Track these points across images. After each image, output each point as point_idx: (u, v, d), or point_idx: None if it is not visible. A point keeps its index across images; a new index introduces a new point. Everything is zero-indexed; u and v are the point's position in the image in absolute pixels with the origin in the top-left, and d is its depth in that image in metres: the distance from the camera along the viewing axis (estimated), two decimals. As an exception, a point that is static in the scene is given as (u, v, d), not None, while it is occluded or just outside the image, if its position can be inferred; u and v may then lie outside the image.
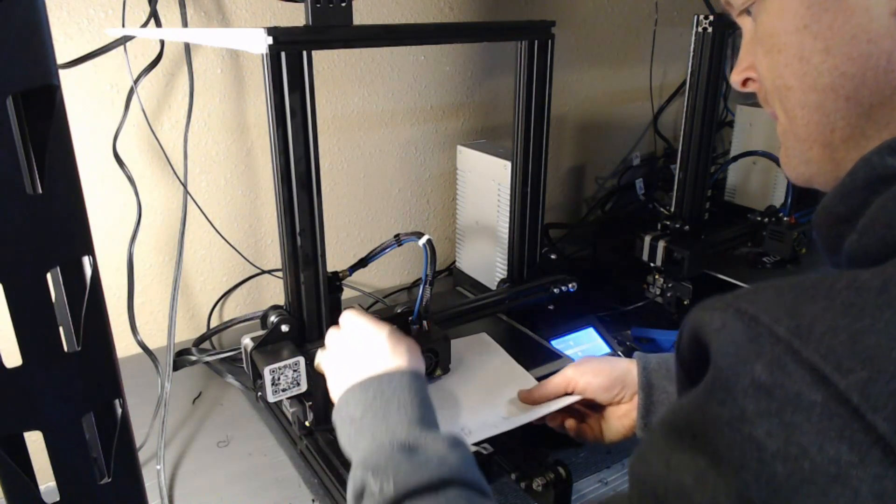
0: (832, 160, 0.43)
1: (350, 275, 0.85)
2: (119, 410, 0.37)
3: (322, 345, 0.75)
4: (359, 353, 0.66)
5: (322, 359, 0.73)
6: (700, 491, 0.31)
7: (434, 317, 0.87)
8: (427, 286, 0.80)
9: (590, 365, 0.74)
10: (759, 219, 1.25)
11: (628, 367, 0.73)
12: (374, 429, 0.57)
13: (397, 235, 0.83)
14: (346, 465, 0.77)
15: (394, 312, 0.83)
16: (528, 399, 0.77)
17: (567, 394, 0.75)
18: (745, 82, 0.47)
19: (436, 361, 0.83)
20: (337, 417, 0.63)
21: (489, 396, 0.80)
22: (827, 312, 0.29)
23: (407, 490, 0.49)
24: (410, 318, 0.82)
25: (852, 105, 0.40)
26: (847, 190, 0.39)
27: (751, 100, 1.73)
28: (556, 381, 0.75)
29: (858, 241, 0.37)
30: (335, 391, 0.66)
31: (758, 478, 0.29)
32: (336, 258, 1.24)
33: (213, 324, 1.16)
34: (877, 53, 0.38)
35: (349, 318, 0.71)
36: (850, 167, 0.40)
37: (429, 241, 0.78)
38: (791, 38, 0.41)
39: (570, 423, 0.75)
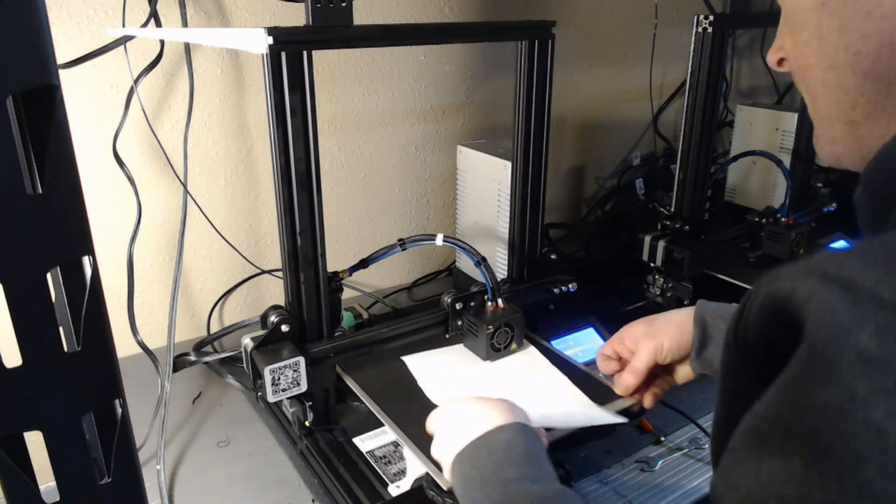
0: (855, 138, 0.42)
1: (350, 275, 0.85)
2: (119, 410, 0.37)
3: (322, 344, 0.75)
4: (463, 427, 0.61)
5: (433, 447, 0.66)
6: (806, 499, 0.26)
7: (505, 294, 0.92)
8: (483, 266, 0.87)
9: (655, 327, 0.75)
10: (756, 219, 1.25)
11: (684, 317, 0.74)
12: (490, 492, 0.55)
13: (402, 241, 0.84)
14: (347, 465, 0.77)
15: (470, 291, 0.90)
16: (627, 387, 0.77)
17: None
18: (779, 62, 0.47)
19: (511, 336, 0.88)
20: (454, 480, 0.59)
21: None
22: None
23: None
24: (487, 297, 0.88)
25: (870, 82, 0.40)
26: (886, 159, 0.38)
27: (751, 100, 1.73)
28: (644, 358, 0.75)
29: None
30: (448, 451, 0.62)
31: (883, 469, 0.24)
32: (336, 258, 1.24)
33: (213, 323, 1.16)
34: (890, 30, 0.38)
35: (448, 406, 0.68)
36: (874, 144, 0.40)
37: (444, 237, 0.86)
38: (810, 15, 0.41)
39: (648, 400, 0.77)
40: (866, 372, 0.25)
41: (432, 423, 0.66)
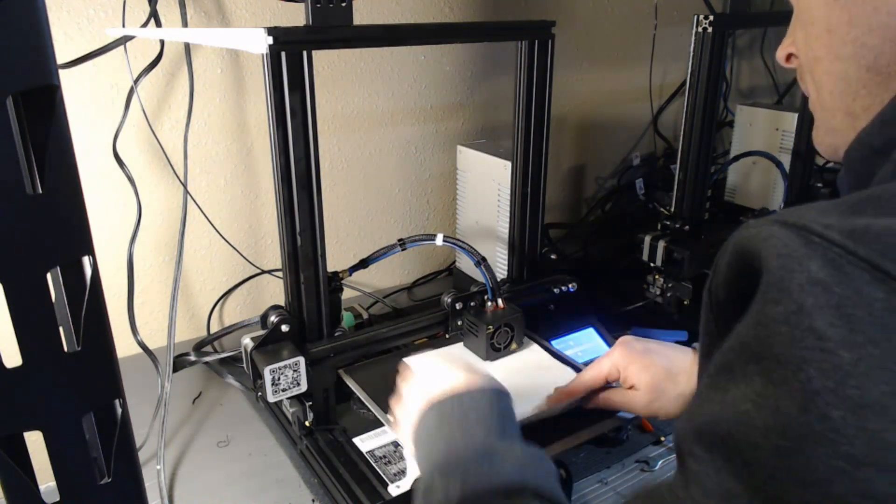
0: (853, 129, 0.45)
1: (350, 275, 0.85)
2: (119, 410, 0.37)
3: (322, 344, 0.75)
4: (434, 386, 0.58)
5: (397, 405, 0.64)
6: (762, 408, 0.29)
7: (505, 294, 0.93)
8: (483, 266, 0.87)
9: (638, 356, 0.72)
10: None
11: (681, 358, 0.71)
12: (449, 437, 0.53)
13: (402, 241, 0.84)
14: (347, 465, 0.77)
15: (470, 291, 0.90)
16: (563, 396, 0.76)
17: (608, 383, 0.74)
18: (788, 58, 0.50)
19: (511, 336, 0.89)
20: (414, 439, 0.57)
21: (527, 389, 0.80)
22: (878, 217, 0.29)
23: (475, 493, 0.46)
24: (487, 297, 0.89)
25: (872, 75, 0.42)
26: (887, 118, 0.41)
27: (751, 100, 1.73)
28: (598, 372, 0.74)
29: (894, 170, 0.38)
30: (411, 418, 0.59)
31: (822, 369, 0.27)
32: (336, 258, 1.24)
33: (213, 324, 1.16)
34: (894, 25, 0.40)
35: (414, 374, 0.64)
36: None
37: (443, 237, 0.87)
38: (821, 10, 0.44)
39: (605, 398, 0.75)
40: (813, 291, 0.28)
41: (401, 385, 0.63)
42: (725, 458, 0.30)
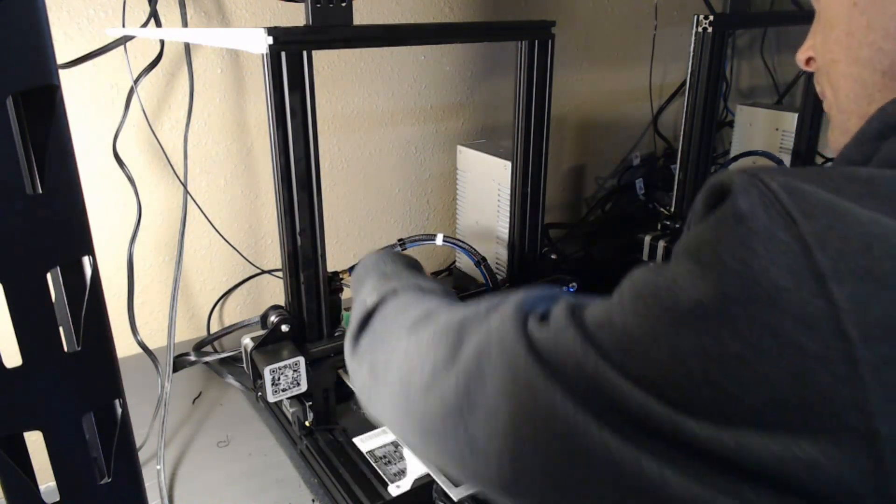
0: None
1: (350, 275, 0.85)
2: (119, 410, 0.37)
3: (322, 344, 0.75)
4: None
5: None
6: (687, 283, 0.33)
7: None
8: (483, 266, 0.90)
9: None
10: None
11: None
12: (372, 269, 0.65)
13: (401, 241, 0.84)
14: (346, 464, 0.77)
15: (470, 291, 0.92)
16: None
17: None
18: (807, 61, 0.51)
19: None
20: (352, 283, 0.68)
21: None
22: (819, 184, 0.32)
23: (384, 293, 0.57)
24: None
25: (888, 80, 0.43)
26: (863, 137, 0.42)
27: (751, 100, 1.73)
28: None
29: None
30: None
31: (713, 282, 0.31)
32: (336, 258, 1.24)
33: (213, 324, 1.16)
34: None
35: None
36: None
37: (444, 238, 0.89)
38: (842, 14, 0.45)
39: None
40: (762, 203, 0.31)
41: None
42: (635, 300, 0.35)
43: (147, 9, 0.95)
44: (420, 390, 0.45)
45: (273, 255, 1.20)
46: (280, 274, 0.88)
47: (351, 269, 0.86)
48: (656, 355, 0.32)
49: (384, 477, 0.75)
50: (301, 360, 0.76)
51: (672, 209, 1.19)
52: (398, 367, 0.49)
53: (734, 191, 0.32)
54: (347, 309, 0.90)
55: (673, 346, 0.32)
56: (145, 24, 0.95)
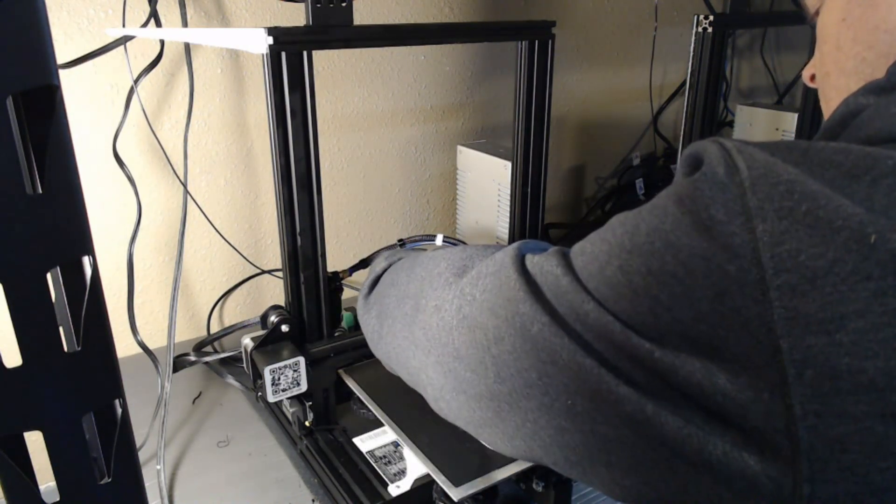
0: None
1: (350, 275, 0.85)
2: (119, 410, 0.37)
3: (322, 344, 0.75)
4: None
5: None
6: (649, 215, 0.37)
7: None
8: None
9: None
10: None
11: None
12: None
13: (402, 241, 0.84)
14: (347, 465, 0.77)
15: None
16: None
17: None
18: (812, 78, 0.53)
19: None
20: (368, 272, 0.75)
21: None
22: (764, 148, 0.35)
23: (393, 260, 0.66)
24: None
25: None
26: (827, 126, 0.44)
27: (751, 100, 1.73)
28: None
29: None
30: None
31: (668, 214, 0.36)
32: (336, 258, 1.24)
33: (213, 324, 1.16)
34: (889, 42, 0.43)
35: None
36: None
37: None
38: (833, 29, 0.47)
39: None
40: (719, 157, 0.35)
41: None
42: (605, 230, 0.40)
43: (147, 9, 0.95)
44: (427, 310, 0.52)
45: (273, 255, 1.20)
46: (280, 274, 0.88)
47: (351, 269, 0.86)
48: (609, 272, 0.37)
49: (384, 477, 0.75)
50: (301, 360, 0.76)
51: (672, 209, 1.19)
52: (413, 294, 0.56)
53: (706, 153, 0.36)
54: (347, 309, 0.90)
55: (623, 264, 0.37)
56: (145, 24, 0.96)
